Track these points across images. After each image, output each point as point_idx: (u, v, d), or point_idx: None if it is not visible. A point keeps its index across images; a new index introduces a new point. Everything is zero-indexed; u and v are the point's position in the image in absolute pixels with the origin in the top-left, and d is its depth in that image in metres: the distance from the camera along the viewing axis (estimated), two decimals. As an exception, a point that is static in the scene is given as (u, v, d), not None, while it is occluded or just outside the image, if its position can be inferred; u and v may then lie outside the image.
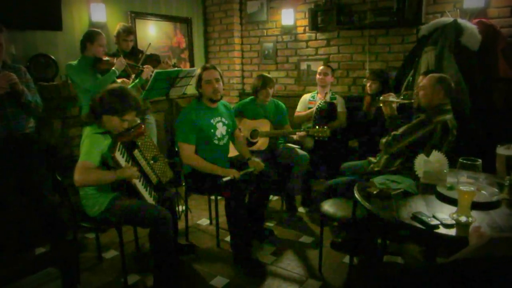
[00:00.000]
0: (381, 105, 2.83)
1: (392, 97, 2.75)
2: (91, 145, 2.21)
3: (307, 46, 4.67)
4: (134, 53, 3.69)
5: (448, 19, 3.39)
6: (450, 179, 2.08)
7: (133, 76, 3.43)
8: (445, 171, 2.10)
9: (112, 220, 2.33)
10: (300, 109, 4.04)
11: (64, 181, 2.53)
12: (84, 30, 3.58)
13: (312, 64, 4.63)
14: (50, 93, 3.45)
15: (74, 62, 3.15)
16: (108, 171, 2.24)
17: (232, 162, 3.06)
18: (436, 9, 3.76)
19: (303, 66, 4.73)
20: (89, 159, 2.18)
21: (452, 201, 1.86)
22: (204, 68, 2.83)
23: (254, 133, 3.50)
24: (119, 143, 2.27)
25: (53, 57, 3.57)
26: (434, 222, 1.66)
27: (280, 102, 3.70)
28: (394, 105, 2.75)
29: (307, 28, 4.59)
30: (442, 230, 1.63)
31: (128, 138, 2.35)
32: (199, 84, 2.83)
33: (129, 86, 3.40)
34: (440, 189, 2.00)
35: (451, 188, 1.98)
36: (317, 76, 3.93)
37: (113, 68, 3.16)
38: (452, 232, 1.62)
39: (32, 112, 2.62)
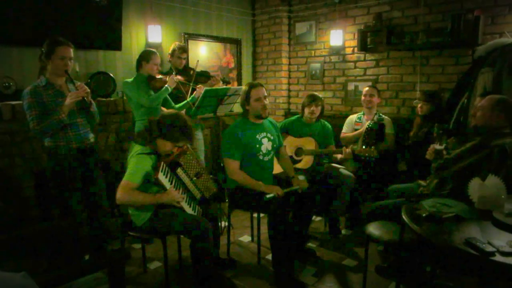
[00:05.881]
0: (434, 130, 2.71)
1: (437, 147, 2.63)
2: (136, 166, 2.29)
3: (355, 67, 4.63)
4: (185, 71, 3.85)
5: (507, 39, 3.24)
6: (508, 206, 1.93)
7: (187, 95, 3.55)
8: (503, 196, 1.97)
9: (157, 228, 2.41)
10: (346, 131, 3.99)
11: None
12: (140, 50, 3.80)
13: (360, 84, 4.58)
14: (108, 108, 3.67)
15: (130, 79, 3.32)
16: (148, 195, 2.32)
17: (277, 179, 3.05)
18: (495, 30, 3.61)
19: (351, 86, 4.69)
20: (132, 179, 2.27)
21: (510, 229, 1.73)
22: (252, 86, 2.86)
23: (299, 151, 3.49)
24: (162, 164, 2.33)
25: (111, 74, 3.81)
26: (490, 249, 1.56)
27: (326, 123, 3.67)
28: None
29: (355, 49, 4.57)
30: (499, 258, 1.52)
31: (172, 159, 2.40)
32: (247, 102, 2.86)
33: (182, 104, 3.54)
34: (497, 215, 1.87)
35: (510, 214, 1.85)
36: (363, 97, 3.88)
37: (166, 85, 3.31)
38: (510, 261, 1.51)
39: (92, 123, 2.84)
